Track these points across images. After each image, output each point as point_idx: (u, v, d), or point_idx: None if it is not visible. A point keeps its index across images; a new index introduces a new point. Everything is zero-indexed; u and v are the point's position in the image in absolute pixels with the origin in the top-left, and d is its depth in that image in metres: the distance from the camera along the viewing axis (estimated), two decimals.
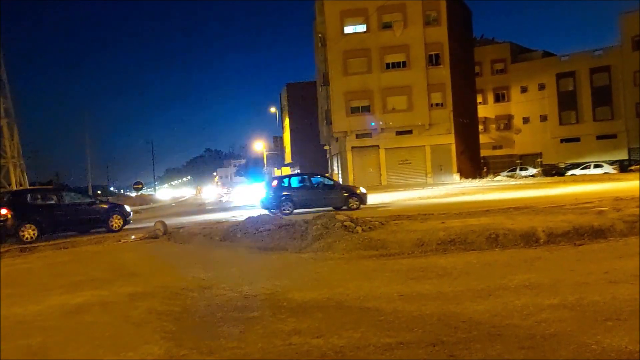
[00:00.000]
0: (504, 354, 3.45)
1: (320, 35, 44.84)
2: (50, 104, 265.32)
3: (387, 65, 42.21)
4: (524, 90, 58.46)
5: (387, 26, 41.93)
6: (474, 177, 42.70)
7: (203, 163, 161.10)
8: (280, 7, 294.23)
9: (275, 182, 19.65)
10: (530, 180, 37.40)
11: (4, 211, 14.30)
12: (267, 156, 77.07)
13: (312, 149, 58.11)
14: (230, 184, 77.82)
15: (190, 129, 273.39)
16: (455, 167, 41.82)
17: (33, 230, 14.39)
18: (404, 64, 41.92)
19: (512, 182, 36.51)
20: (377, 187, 35.96)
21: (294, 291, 5.69)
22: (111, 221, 16.04)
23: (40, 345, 4.36)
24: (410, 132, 42.25)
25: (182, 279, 6.90)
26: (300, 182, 19.67)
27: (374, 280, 6.01)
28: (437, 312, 4.49)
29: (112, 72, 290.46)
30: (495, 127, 60.58)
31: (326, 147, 51.21)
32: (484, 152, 55.16)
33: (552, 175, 42.49)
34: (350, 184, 34.86)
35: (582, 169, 42.64)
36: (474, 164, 47.49)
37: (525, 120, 58.97)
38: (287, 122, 69.98)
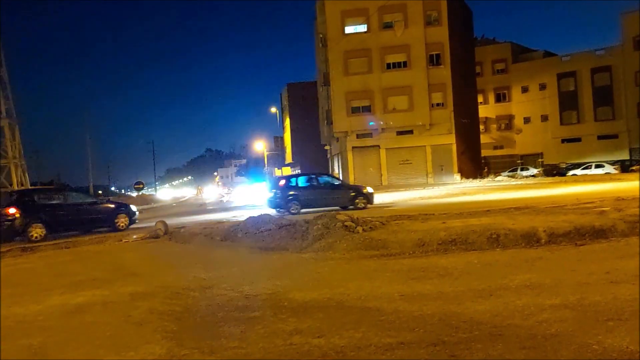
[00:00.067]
0: (505, 354, 3.44)
1: (321, 35, 44.84)
2: (50, 104, 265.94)
3: (388, 65, 42.19)
4: (524, 90, 58.44)
5: (387, 26, 41.92)
6: (474, 177, 42.69)
7: (204, 163, 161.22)
8: (281, 7, 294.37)
9: (282, 182, 19.70)
10: (531, 181, 37.38)
11: (12, 210, 14.36)
12: (267, 156, 77.11)
13: (312, 149, 58.13)
14: (231, 184, 77.73)
15: (191, 129, 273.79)
16: (456, 167, 41.79)
17: (41, 229, 14.47)
18: (405, 64, 41.90)
19: (513, 182, 36.49)
20: (378, 187, 35.84)
21: (295, 291, 5.69)
22: (117, 221, 16.22)
23: (40, 345, 4.36)
24: (411, 132, 42.24)
25: (183, 278, 6.90)
26: (307, 181, 19.74)
27: (375, 280, 6.01)
28: (438, 312, 4.48)
29: (112, 72, 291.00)
30: (496, 127, 60.55)
31: (327, 147, 51.22)
32: (484, 152, 55.12)
33: (553, 175, 42.44)
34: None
35: (583, 169, 42.58)
36: (474, 164, 47.47)
37: (526, 120, 58.96)
38: (287, 122, 70.01)
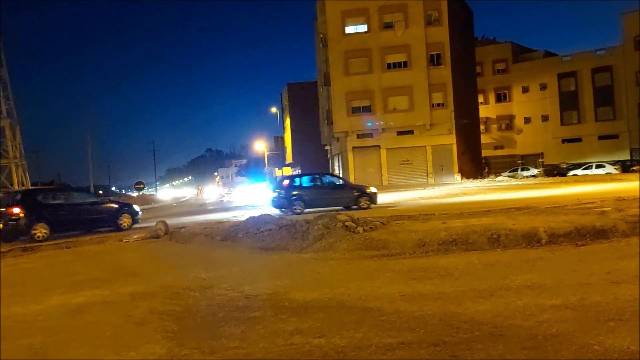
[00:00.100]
0: (505, 354, 3.44)
1: (321, 35, 44.84)
2: (50, 104, 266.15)
3: (388, 65, 42.18)
4: (525, 90, 58.43)
5: (388, 26, 41.91)
6: (475, 177, 42.68)
7: (204, 163, 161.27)
8: (281, 6, 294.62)
9: (286, 182, 19.72)
10: (532, 181, 37.36)
11: (16, 210, 14.38)
12: (268, 156, 77.10)
13: (313, 149, 58.08)
14: (232, 184, 77.74)
15: (191, 129, 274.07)
16: (456, 168, 41.77)
17: (45, 229, 14.49)
18: (405, 64, 41.89)
19: (514, 182, 36.47)
20: (379, 188, 35.71)
21: (295, 291, 5.69)
22: (120, 220, 16.27)
23: (41, 345, 4.36)
24: (411, 132, 42.23)
25: (184, 278, 6.90)
26: (311, 181, 19.79)
27: (376, 281, 6.00)
28: (438, 313, 4.48)
29: (112, 71, 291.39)
30: (497, 127, 60.54)
31: (327, 147, 51.20)
32: (485, 153, 55.10)
33: (554, 175, 42.42)
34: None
35: (583, 169, 42.57)
36: (475, 164, 47.45)
37: (527, 120, 58.94)
38: (288, 122, 69.96)
